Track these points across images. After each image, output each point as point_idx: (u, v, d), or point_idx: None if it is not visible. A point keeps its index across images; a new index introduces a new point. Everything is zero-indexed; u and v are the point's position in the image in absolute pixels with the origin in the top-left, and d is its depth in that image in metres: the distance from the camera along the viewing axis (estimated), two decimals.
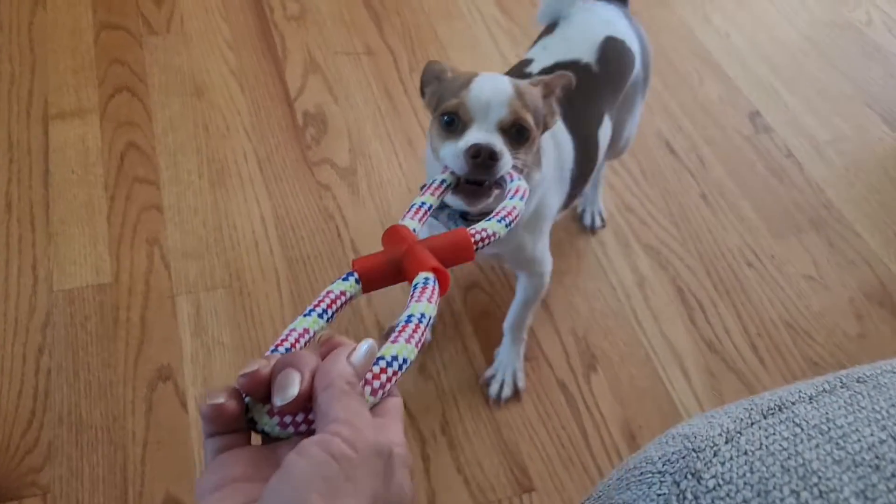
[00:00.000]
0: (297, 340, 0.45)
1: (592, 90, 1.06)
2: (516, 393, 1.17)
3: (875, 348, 1.29)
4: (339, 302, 0.49)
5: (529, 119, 0.82)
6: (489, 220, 0.59)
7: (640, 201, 1.48)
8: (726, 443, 0.37)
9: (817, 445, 0.35)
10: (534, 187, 0.89)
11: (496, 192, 0.79)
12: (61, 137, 1.43)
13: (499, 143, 0.78)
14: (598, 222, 1.41)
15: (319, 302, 0.48)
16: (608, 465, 1.13)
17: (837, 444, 0.35)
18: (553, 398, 1.19)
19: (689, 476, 0.36)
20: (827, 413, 0.37)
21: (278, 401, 0.37)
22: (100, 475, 1.04)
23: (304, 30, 1.72)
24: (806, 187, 1.54)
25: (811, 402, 0.38)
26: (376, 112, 1.57)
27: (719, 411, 0.40)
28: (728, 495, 0.35)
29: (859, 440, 0.35)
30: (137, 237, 1.30)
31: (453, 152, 0.77)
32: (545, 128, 0.89)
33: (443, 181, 0.74)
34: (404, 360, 0.41)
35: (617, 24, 1.12)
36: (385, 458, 0.36)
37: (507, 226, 0.59)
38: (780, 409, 0.38)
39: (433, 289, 0.47)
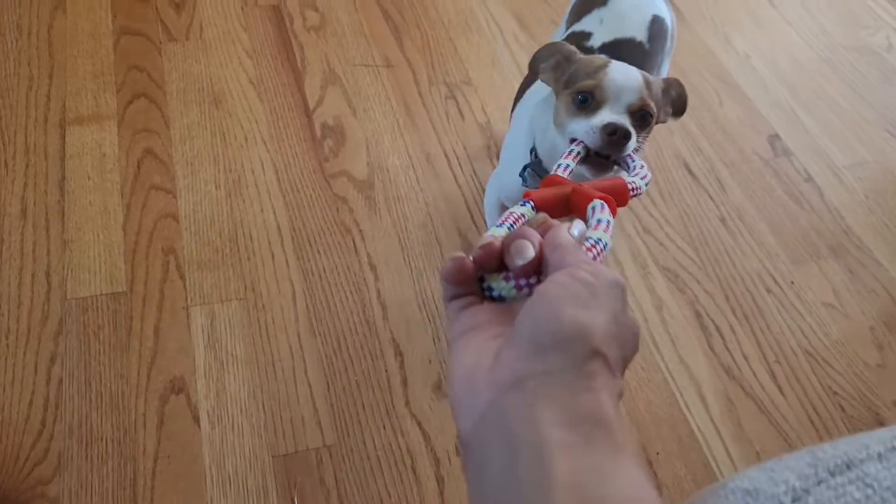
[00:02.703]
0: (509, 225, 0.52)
1: (646, 66, 1.14)
2: None
3: (895, 379, 1.27)
4: (520, 222, 0.54)
5: (653, 107, 0.91)
6: (634, 175, 0.70)
7: (658, 223, 1.47)
8: (793, 502, 0.35)
9: None
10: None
11: (616, 168, 0.88)
12: (78, 143, 1.42)
13: (628, 124, 0.87)
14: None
15: (505, 219, 0.53)
16: None
17: None
18: None
19: None
20: None
21: (519, 261, 0.42)
22: (109, 489, 1.03)
23: (323, 41, 1.71)
24: (825, 213, 1.52)
25: (881, 461, 0.36)
26: (395, 125, 1.56)
27: (779, 464, 0.39)
28: None
29: None
30: (153, 246, 1.29)
31: (587, 128, 0.86)
32: (658, 120, 0.97)
33: (577, 152, 0.83)
34: (606, 244, 0.47)
35: (658, 3, 1.20)
36: (621, 288, 0.40)
37: (646, 185, 0.69)
38: (848, 468, 0.36)
39: (606, 207, 0.52)
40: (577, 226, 0.47)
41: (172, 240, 1.31)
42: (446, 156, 1.52)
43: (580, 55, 0.97)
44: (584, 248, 0.45)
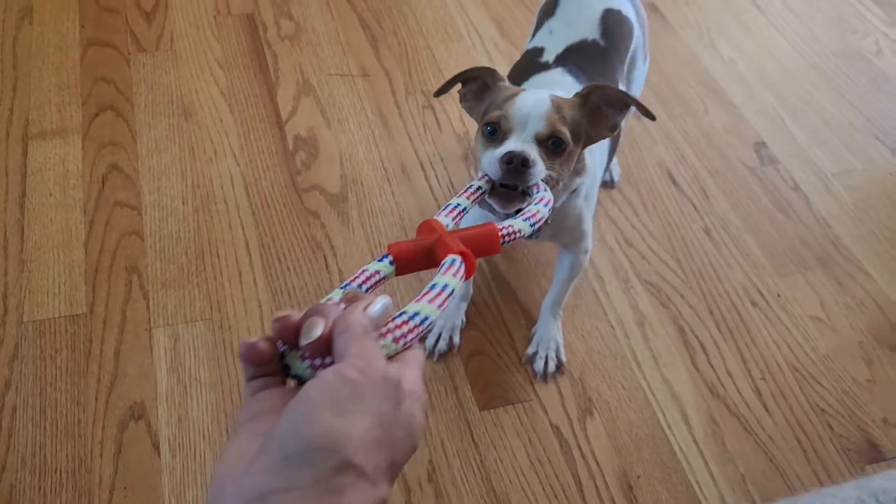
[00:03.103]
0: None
1: (606, 63, 1.13)
2: (559, 367, 1.21)
3: (886, 395, 1.23)
4: (373, 280, 0.52)
5: (565, 132, 0.87)
6: (516, 218, 0.65)
7: (640, 235, 1.43)
8: None
9: None
10: (578, 187, 0.98)
11: (528, 199, 0.84)
12: (41, 158, 1.38)
13: (533, 152, 0.84)
14: (616, 177, 1.49)
15: (353, 279, 0.51)
16: None
17: None
18: (546, 444, 1.13)
19: None
20: None
21: (304, 340, 0.41)
22: None
23: (297, 50, 1.67)
24: (813, 222, 1.48)
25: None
26: (370, 136, 1.52)
27: (827, 495, 0.35)
28: None
29: None
30: (116, 265, 1.25)
31: (490, 159, 0.84)
32: (591, 138, 0.93)
33: (479, 187, 0.79)
34: (426, 318, 0.45)
35: None
36: (393, 385, 0.39)
37: (531, 225, 0.66)
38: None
39: (459, 267, 0.50)
40: (380, 302, 0.44)
41: (136, 258, 1.26)
42: (422, 167, 1.48)
43: (502, 83, 0.94)
44: (388, 327, 0.43)
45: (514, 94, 0.90)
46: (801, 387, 1.23)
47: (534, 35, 1.22)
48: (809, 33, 1.91)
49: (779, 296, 1.35)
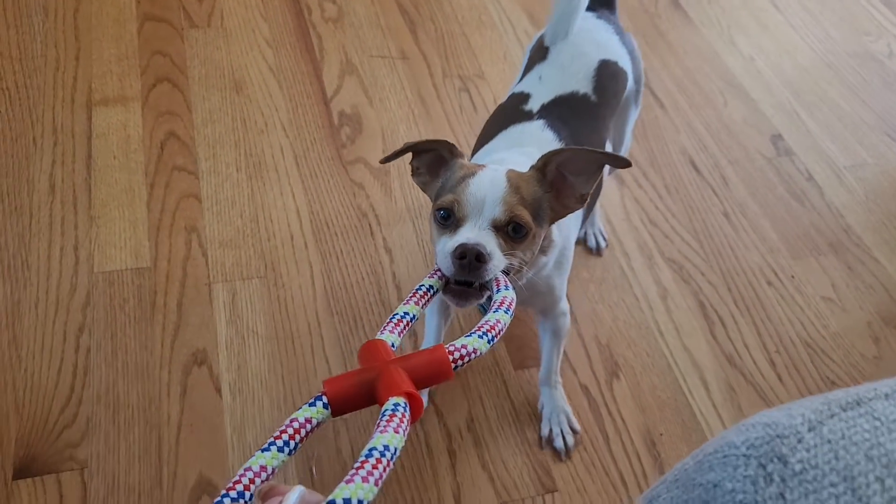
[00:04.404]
0: (251, 482, 0.44)
1: (594, 122, 1.04)
2: (576, 433, 1.16)
3: (891, 371, 1.32)
4: (303, 431, 0.47)
5: (526, 216, 0.78)
6: (470, 335, 0.57)
7: (663, 216, 1.52)
8: (809, 431, 0.40)
9: None
10: (543, 265, 0.90)
11: (486, 293, 0.76)
12: (104, 123, 1.46)
13: (490, 242, 0.75)
14: (601, 242, 1.41)
15: (281, 433, 0.46)
16: (629, 469, 1.16)
17: None
18: (576, 401, 1.22)
19: (776, 460, 0.39)
20: None
21: None
22: (135, 453, 1.07)
23: (340, 32, 1.76)
24: (826, 211, 1.57)
25: (887, 399, 0.41)
26: (410, 115, 1.61)
27: (795, 404, 0.43)
28: (815, 479, 0.37)
29: None
30: (176, 224, 1.33)
31: (443, 252, 0.75)
32: (556, 216, 0.84)
33: (429, 287, 0.71)
34: (359, 503, 0.39)
35: (609, 46, 1.10)
36: None
37: (489, 341, 0.58)
38: (857, 404, 0.41)
39: (403, 416, 0.45)
40: (292, 497, 0.41)
41: (195, 219, 1.35)
42: (459, 145, 1.56)
43: (460, 160, 0.84)
44: None
45: (469, 175, 0.80)
46: (812, 361, 1.32)
47: (523, 76, 1.13)
48: (825, 33, 2.00)
49: (793, 277, 1.45)
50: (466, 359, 0.55)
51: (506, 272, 0.77)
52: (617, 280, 1.40)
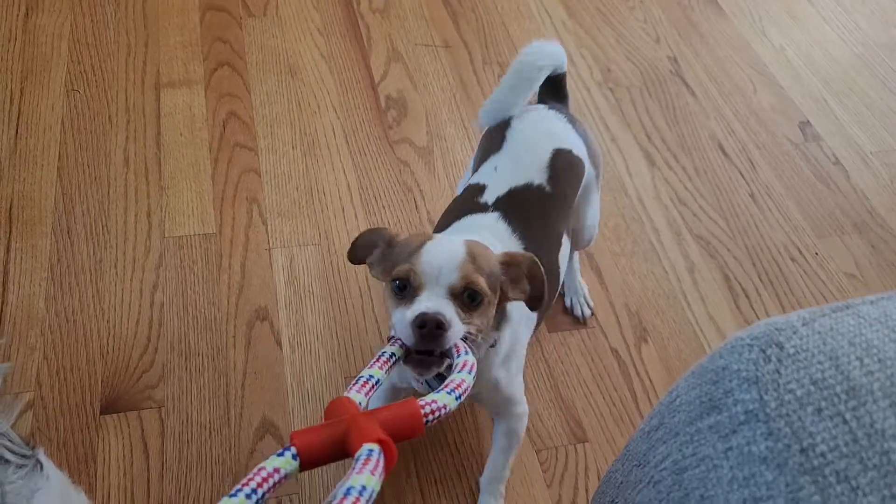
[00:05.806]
0: None
1: (549, 212, 1.03)
2: None
3: None
4: (271, 481, 0.47)
5: (482, 283, 0.79)
6: (439, 391, 0.59)
7: (692, 195, 1.59)
8: (803, 325, 0.49)
9: (877, 330, 0.47)
10: (497, 344, 0.91)
11: (447, 361, 0.77)
12: (171, 103, 1.59)
13: (449, 310, 0.76)
14: (587, 311, 1.35)
15: (249, 480, 0.46)
16: None
17: (893, 329, 0.47)
18: (606, 363, 1.31)
19: (774, 346, 0.48)
20: (885, 311, 0.49)
21: None
22: (206, 396, 1.19)
23: (387, 22, 1.86)
24: (851, 193, 1.64)
25: (872, 304, 0.50)
26: (451, 100, 1.71)
27: (792, 312, 0.52)
28: (806, 359, 0.46)
29: None
30: (238, 195, 1.45)
31: (402, 322, 0.76)
32: (505, 295, 0.85)
33: (391, 354, 0.73)
34: None
35: (561, 134, 1.09)
36: None
37: (457, 398, 0.60)
38: (846, 308, 0.50)
39: (378, 461, 0.45)
40: None
41: (255, 191, 1.47)
42: None
43: (400, 237, 0.87)
44: None
45: (422, 244, 0.81)
46: None
47: (477, 167, 1.12)
48: (855, 25, 2.05)
49: (816, 254, 1.51)
50: (437, 413, 0.56)
51: (463, 339, 0.78)
52: (647, 253, 1.48)
